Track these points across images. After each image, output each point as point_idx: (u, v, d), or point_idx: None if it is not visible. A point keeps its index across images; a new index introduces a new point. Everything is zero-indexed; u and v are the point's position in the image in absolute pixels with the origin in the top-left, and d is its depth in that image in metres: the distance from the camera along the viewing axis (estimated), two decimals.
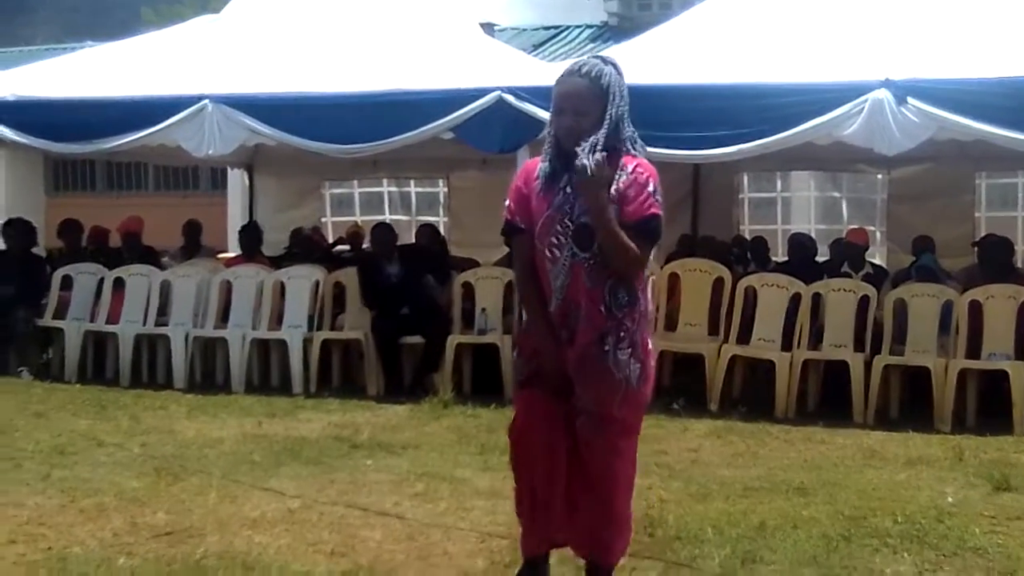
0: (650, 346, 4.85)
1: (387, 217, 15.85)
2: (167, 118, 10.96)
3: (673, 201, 14.62)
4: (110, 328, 11.63)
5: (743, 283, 10.49)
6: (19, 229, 12.56)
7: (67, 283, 12.12)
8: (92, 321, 11.80)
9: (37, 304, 12.03)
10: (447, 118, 10.26)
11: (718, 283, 10.64)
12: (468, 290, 11.09)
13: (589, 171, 4.52)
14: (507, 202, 4.92)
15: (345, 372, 11.31)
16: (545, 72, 11.87)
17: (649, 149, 9.73)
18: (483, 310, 10.86)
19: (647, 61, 10.74)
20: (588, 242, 4.67)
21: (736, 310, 10.33)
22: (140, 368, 11.53)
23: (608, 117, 4.67)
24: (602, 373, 4.70)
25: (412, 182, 16.34)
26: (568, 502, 4.93)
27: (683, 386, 10.29)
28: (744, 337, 10.25)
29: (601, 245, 4.64)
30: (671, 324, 10.82)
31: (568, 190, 4.70)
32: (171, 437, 8.68)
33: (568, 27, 22.86)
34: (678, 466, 7.77)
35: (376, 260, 11.42)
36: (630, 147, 4.76)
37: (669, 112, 9.79)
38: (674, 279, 10.94)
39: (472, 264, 11.96)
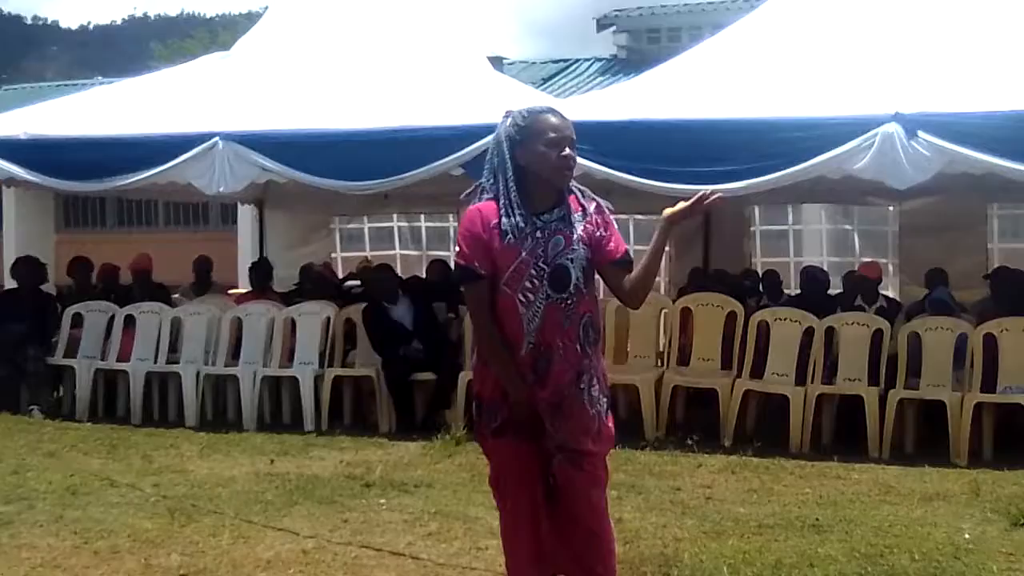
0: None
1: (397, 252, 15.92)
2: (178, 156, 10.96)
3: (684, 235, 14.65)
4: (121, 366, 11.63)
5: (756, 317, 10.46)
6: (29, 267, 12.60)
7: (77, 321, 12.12)
8: (103, 359, 11.80)
9: (48, 342, 12.05)
10: (457, 154, 10.24)
11: (731, 317, 10.63)
12: None
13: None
14: (459, 248, 4.81)
15: (356, 409, 11.29)
16: (555, 106, 11.93)
17: (659, 184, 9.83)
18: None
19: (657, 95, 10.79)
20: (565, 283, 4.67)
21: (749, 344, 10.31)
22: (151, 406, 11.53)
23: None
24: (580, 411, 4.71)
25: (422, 216, 16.37)
26: (559, 545, 4.87)
27: (696, 421, 10.29)
28: (758, 372, 10.23)
29: (643, 280, 4.76)
30: (684, 359, 10.80)
31: (538, 235, 4.68)
32: (183, 476, 8.66)
33: (577, 60, 22.98)
34: (692, 503, 7.73)
35: (379, 305, 11.35)
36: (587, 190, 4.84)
37: (679, 146, 9.83)
38: (686, 314, 10.93)
39: None
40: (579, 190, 4.80)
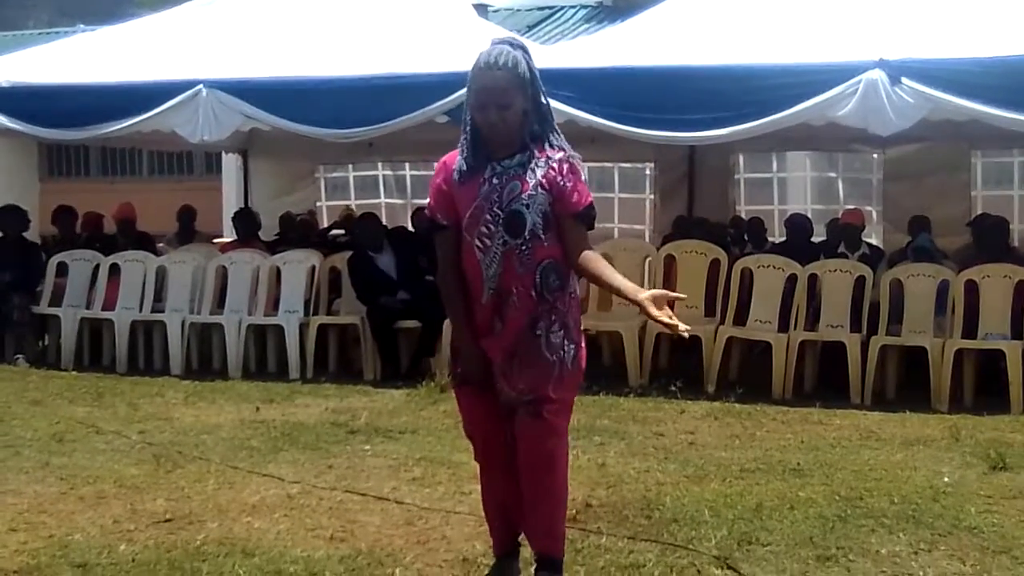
0: (581, 327, 4.82)
1: (382, 200, 15.91)
2: (161, 103, 10.92)
3: (669, 183, 14.68)
4: (106, 315, 11.63)
5: (739, 264, 10.50)
6: (13, 216, 12.54)
7: (62, 270, 12.11)
8: (88, 308, 11.80)
9: (33, 291, 12.05)
10: (442, 101, 10.21)
11: (714, 265, 10.65)
12: None
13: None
14: (428, 201, 4.85)
15: (341, 357, 11.31)
16: (540, 54, 11.88)
17: (645, 132, 9.81)
18: None
19: (642, 42, 10.77)
20: (520, 229, 4.63)
21: (733, 292, 10.35)
22: (136, 355, 11.55)
23: (538, 108, 4.65)
24: (536, 358, 4.67)
25: (407, 165, 16.33)
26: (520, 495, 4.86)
27: (680, 368, 10.34)
28: (741, 319, 10.27)
29: (591, 276, 4.72)
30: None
31: (495, 180, 4.65)
32: (169, 424, 8.69)
33: (563, 7, 22.82)
34: (675, 448, 7.78)
35: (364, 254, 11.35)
36: (559, 136, 4.71)
37: (664, 94, 9.84)
38: (670, 261, 10.96)
39: None
40: (549, 140, 4.68)
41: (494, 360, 4.76)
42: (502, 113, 4.56)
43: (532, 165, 4.64)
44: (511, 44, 4.63)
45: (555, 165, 4.63)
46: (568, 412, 4.85)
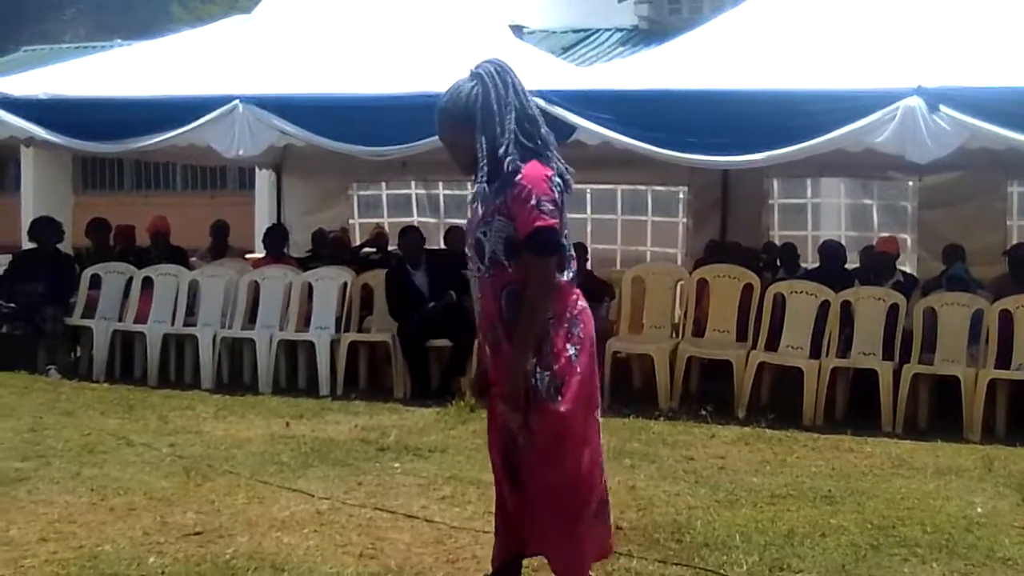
0: (568, 353, 4.67)
1: (415, 219, 15.89)
2: (198, 118, 10.96)
3: (702, 207, 14.64)
4: (138, 327, 11.68)
5: (772, 290, 10.46)
6: (47, 227, 12.62)
7: (96, 282, 12.17)
8: (120, 320, 11.85)
9: (66, 303, 12.10)
10: None
11: (747, 289, 10.62)
12: None
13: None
14: None
15: (371, 374, 11.32)
16: (575, 76, 11.92)
17: (680, 155, 9.79)
18: None
19: (678, 66, 10.77)
20: (482, 255, 4.69)
21: (765, 317, 10.31)
22: (167, 368, 11.58)
23: (479, 144, 4.64)
24: (513, 381, 4.63)
25: (440, 184, 16.34)
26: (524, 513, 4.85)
27: (711, 392, 10.31)
28: (773, 344, 10.23)
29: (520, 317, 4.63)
30: (699, 330, 10.80)
31: (475, 205, 4.74)
32: (199, 437, 8.70)
33: (598, 30, 22.86)
34: (705, 472, 7.75)
35: (403, 268, 11.38)
36: (514, 161, 4.62)
37: (700, 117, 9.83)
38: (703, 285, 10.93)
39: None
40: (517, 162, 4.61)
41: (494, 383, 4.81)
42: (454, 151, 4.77)
43: (496, 190, 4.64)
44: (473, 73, 4.71)
45: (513, 191, 4.60)
46: (560, 440, 4.67)
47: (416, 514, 6.49)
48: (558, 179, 4.66)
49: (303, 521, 6.32)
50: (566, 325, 4.69)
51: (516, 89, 4.69)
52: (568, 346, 4.67)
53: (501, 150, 4.61)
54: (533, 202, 4.55)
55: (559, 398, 4.62)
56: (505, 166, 4.60)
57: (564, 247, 4.69)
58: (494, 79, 4.65)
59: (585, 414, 4.73)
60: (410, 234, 11.88)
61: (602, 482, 4.88)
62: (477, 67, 4.73)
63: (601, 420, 4.90)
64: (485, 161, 4.63)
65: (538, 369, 4.61)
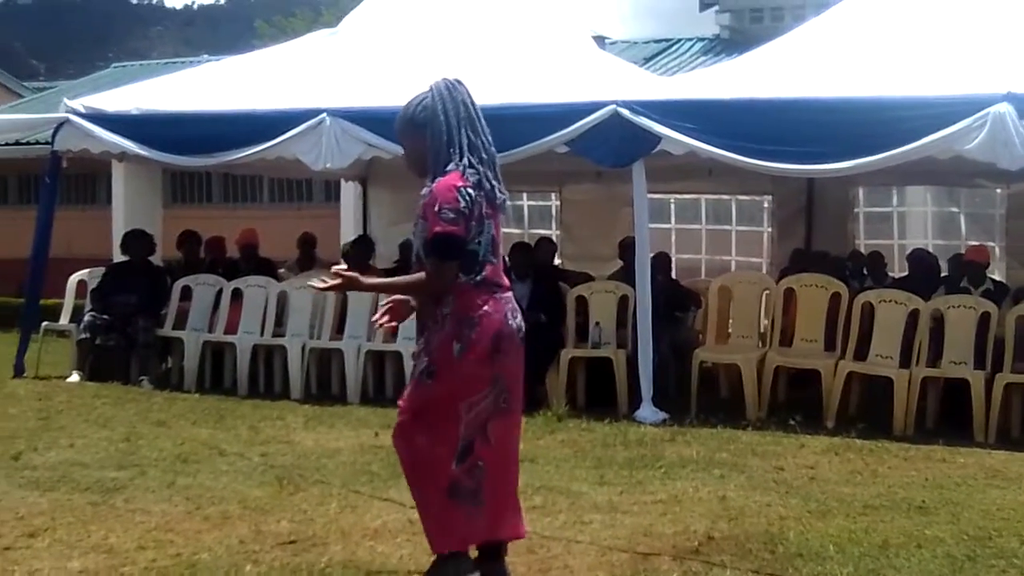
0: (452, 348, 5.09)
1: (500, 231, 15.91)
2: (286, 132, 11.11)
3: (787, 216, 14.57)
4: (228, 338, 11.85)
5: (860, 299, 10.39)
6: (139, 240, 12.85)
7: (186, 294, 12.36)
8: (210, 331, 12.03)
9: (157, 314, 12.29)
10: (562, 132, 10.29)
11: (835, 298, 10.56)
12: (581, 304, 11.09)
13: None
14: None
15: None
16: (659, 86, 11.92)
17: (766, 164, 9.74)
18: (597, 324, 10.88)
19: (762, 75, 10.74)
20: (414, 256, 5.26)
21: (854, 326, 10.23)
22: (257, 378, 11.71)
23: (438, 142, 5.13)
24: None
25: (525, 195, 16.39)
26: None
27: (799, 402, 10.25)
28: (861, 353, 10.15)
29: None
30: (786, 340, 10.75)
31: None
32: (290, 447, 8.80)
33: (680, 40, 22.86)
34: (796, 483, 7.71)
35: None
36: (458, 163, 5.09)
37: (786, 126, 9.80)
38: (789, 294, 10.88)
39: (585, 278, 11.97)
40: (445, 170, 5.07)
41: None
42: (405, 155, 5.40)
43: (423, 193, 5.10)
44: (432, 87, 5.24)
45: (425, 198, 5.07)
46: (415, 415, 5.21)
47: None
48: (471, 191, 5.04)
49: (395, 530, 6.36)
50: (460, 325, 5.10)
51: (467, 104, 5.21)
52: (454, 343, 5.11)
53: (450, 165, 5.07)
54: (435, 209, 4.99)
55: (429, 381, 5.15)
56: (443, 170, 5.07)
57: (472, 252, 5.09)
58: (443, 95, 5.18)
59: (449, 402, 5.13)
60: (519, 250, 11.90)
61: (456, 468, 5.14)
62: (436, 83, 5.24)
63: (518, 421, 5.50)
64: (432, 168, 5.11)
65: (422, 353, 5.18)
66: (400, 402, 5.31)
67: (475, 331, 5.10)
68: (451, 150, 5.09)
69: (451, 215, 4.96)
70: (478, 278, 5.12)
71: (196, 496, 7.09)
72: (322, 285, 5.21)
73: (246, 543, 6.07)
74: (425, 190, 5.08)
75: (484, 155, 5.17)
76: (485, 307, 5.13)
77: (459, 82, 5.26)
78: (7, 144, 20.15)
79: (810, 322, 10.69)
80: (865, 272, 12.60)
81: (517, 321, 5.27)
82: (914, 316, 10.06)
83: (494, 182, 5.17)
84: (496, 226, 5.21)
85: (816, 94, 9.93)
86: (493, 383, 5.19)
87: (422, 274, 5.10)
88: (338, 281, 5.16)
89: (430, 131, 5.12)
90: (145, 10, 63.78)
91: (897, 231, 15.27)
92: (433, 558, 5.23)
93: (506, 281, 5.32)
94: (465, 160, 5.09)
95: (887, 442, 9.13)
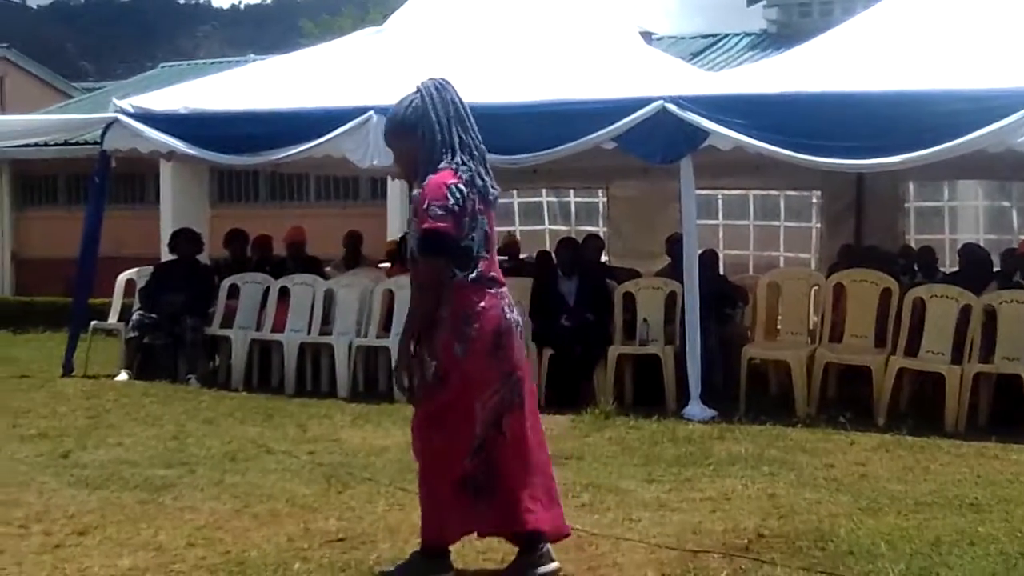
0: (455, 349, 5.17)
1: (546, 227, 15.92)
2: (333, 130, 11.12)
3: (836, 211, 14.47)
4: (275, 337, 11.87)
5: (911, 294, 10.27)
6: (187, 239, 12.92)
7: (233, 292, 12.40)
8: (258, 330, 12.06)
9: (205, 313, 12.33)
10: (609, 128, 10.24)
11: (885, 294, 10.45)
12: (629, 300, 11.05)
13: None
14: None
15: None
16: (707, 81, 11.85)
17: (815, 159, 9.65)
18: (645, 321, 10.83)
19: (811, 69, 10.66)
20: (408, 254, 5.38)
21: (904, 322, 10.13)
22: (304, 376, 11.73)
23: (430, 142, 5.19)
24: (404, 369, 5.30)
25: (572, 192, 16.35)
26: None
27: (849, 399, 10.16)
28: (912, 349, 10.04)
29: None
30: (836, 336, 10.66)
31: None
32: (337, 445, 8.80)
33: (727, 35, 22.78)
34: (846, 480, 7.64)
35: (553, 274, 11.41)
36: (450, 161, 5.17)
37: (833, 121, 9.74)
38: (839, 290, 10.78)
39: (633, 274, 11.93)
40: (437, 168, 5.14)
41: None
42: (394, 158, 5.52)
43: (415, 195, 5.22)
44: (419, 87, 5.32)
45: (417, 196, 5.18)
46: (430, 419, 5.29)
47: None
48: (462, 187, 5.11)
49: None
50: (459, 323, 5.17)
51: (455, 103, 5.26)
52: (455, 343, 5.17)
53: (442, 163, 5.14)
54: (424, 206, 5.08)
55: (439, 385, 5.19)
56: (436, 169, 5.14)
57: (466, 248, 5.16)
58: (432, 95, 5.24)
59: (463, 402, 5.21)
60: (566, 246, 11.91)
61: (469, 463, 5.28)
62: (422, 83, 5.31)
63: (539, 416, 5.49)
64: (424, 168, 5.17)
65: (427, 357, 5.20)
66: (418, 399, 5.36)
67: (474, 329, 5.18)
68: (443, 149, 5.16)
69: (439, 212, 5.05)
70: (473, 275, 5.20)
71: (244, 494, 7.10)
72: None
73: (295, 541, 6.07)
74: (417, 191, 5.20)
75: (475, 152, 5.23)
76: (482, 303, 5.20)
77: (447, 82, 5.34)
78: (56, 144, 20.34)
79: (860, 318, 10.59)
80: (915, 267, 12.49)
81: (515, 315, 5.35)
82: (966, 312, 9.93)
83: (486, 178, 5.26)
84: (490, 222, 5.30)
85: (866, 88, 9.84)
86: (504, 379, 5.26)
87: (418, 299, 5.25)
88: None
89: (421, 131, 5.19)
90: (192, 10, 64.12)
91: (948, 226, 15.13)
92: (415, 549, 5.50)
93: (501, 276, 5.39)
94: (457, 158, 5.16)
95: (939, 439, 9.02)
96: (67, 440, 8.78)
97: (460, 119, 5.23)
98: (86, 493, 7.11)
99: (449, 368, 5.17)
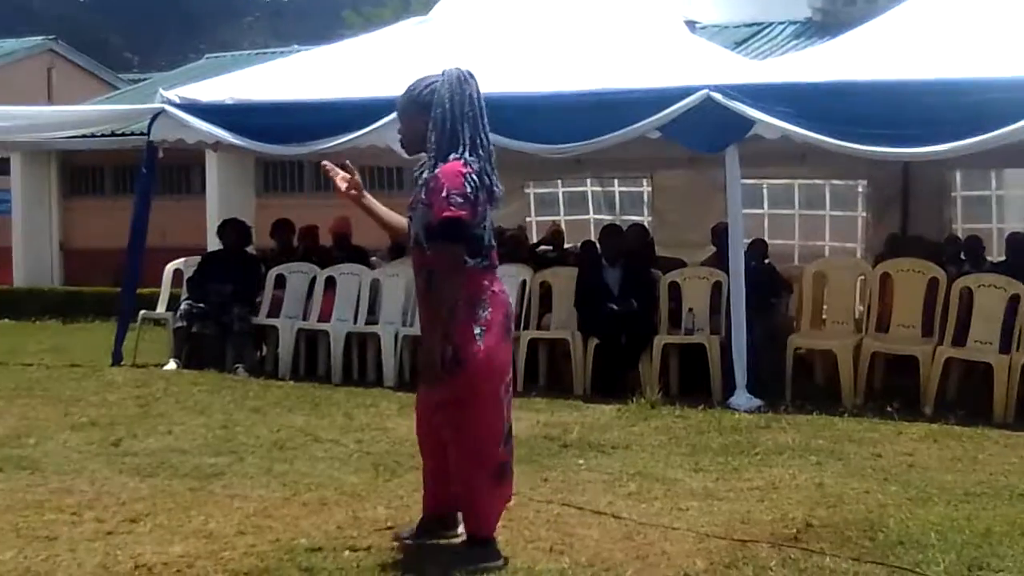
0: (474, 332, 5.29)
1: (591, 217, 15.92)
2: (379, 120, 11.12)
3: (882, 200, 14.40)
4: (322, 326, 11.93)
5: (959, 283, 10.21)
6: (235, 229, 12.98)
7: (280, 282, 12.47)
8: (304, 319, 12.11)
9: (252, 302, 12.40)
10: (655, 117, 10.21)
11: (932, 284, 10.40)
12: (675, 290, 11.03)
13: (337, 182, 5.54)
14: None
15: (551, 371, 11.35)
16: (752, 70, 11.81)
17: (862, 147, 9.60)
18: (690, 310, 10.82)
19: (856, 57, 10.62)
20: (411, 238, 5.43)
21: (952, 311, 10.07)
22: (350, 366, 11.77)
23: (429, 138, 5.30)
24: (427, 354, 5.36)
25: (616, 181, 16.33)
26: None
27: (896, 389, 10.10)
28: (960, 339, 9.99)
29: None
30: (883, 325, 10.61)
31: (415, 190, 5.41)
32: (384, 434, 8.83)
33: (771, 24, 22.68)
34: (894, 470, 7.61)
35: (597, 263, 11.42)
36: (460, 154, 5.25)
37: (880, 109, 9.68)
38: (885, 279, 10.73)
39: (678, 264, 11.91)
40: (448, 156, 5.23)
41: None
42: (401, 131, 5.57)
43: (424, 181, 5.31)
44: (445, 72, 5.37)
45: (431, 183, 5.24)
46: (461, 406, 5.36)
47: (603, 510, 6.49)
48: (475, 177, 5.22)
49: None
50: (474, 308, 5.31)
51: (473, 98, 5.33)
52: (474, 326, 5.30)
53: (452, 154, 5.22)
54: (443, 194, 5.16)
55: (460, 372, 5.27)
56: (447, 156, 5.23)
57: (479, 237, 5.31)
58: (452, 84, 5.30)
59: (489, 387, 5.38)
60: (610, 234, 11.89)
61: (503, 447, 5.53)
62: (447, 70, 5.37)
63: (512, 397, 5.63)
64: (433, 155, 5.29)
65: (444, 343, 5.25)
66: (433, 393, 5.47)
67: (489, 311, 5.35)
68: (452, 140, 5.27)
69: (459, 200, 5.18)
70: (485, 262, 5.38)
71: (293, 482, 7.14)
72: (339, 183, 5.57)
73: (344, 529, 6.10)
74: (425, 175, 5.29)
75: (483, 151, 5.33)
76: (493, 287, 5.41)
77: (471, 75, 5.38)
78: (103, 135, 20.48)
79: (907, 308, 10.54)
80: (962, 257, 12.42)
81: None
82: (1014, 301, 9.87)
83: (492, 176, 5.36)
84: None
85: (913, 76, 9.78)
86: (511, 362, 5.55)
87: (437, 273, 5.27)
88: (344, 185, 5.54)
89: (433, 114, 5.29)
90: (235, 2, 64.19)
91: (995, 215, 15.00)
92: (465, 539, 5.61)
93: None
94: (466, 153, 5.27)
95: (987, 429, 8.98)
96: (118, 428, 8.85)
97: (473, 115, 5.32)
98: (137, 481, 7.17)
99: (469, 353, 5.28)
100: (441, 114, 5.27)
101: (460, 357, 5.26)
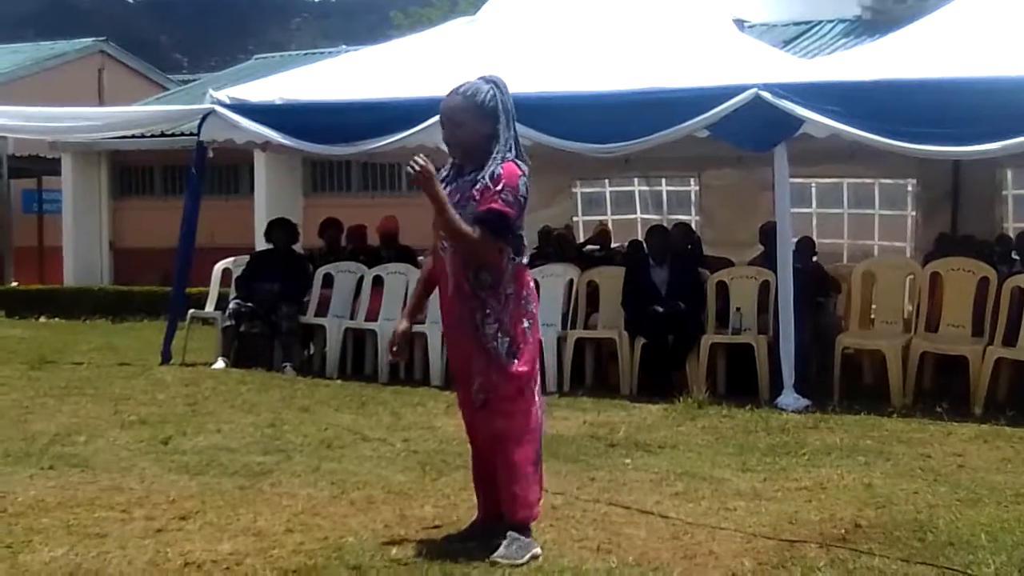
0: (524, 325, 5.52)
1: (638, 216, 15.88)
2: (427, 120, 11.10)
3: (932, 199, 14.30)
4: (369, 325, 11.97)
5: (1010, 283, 10.13)
6: (283, 229, 13.05)
7: (328, 281, 12.53)
8: (352, 318, 12.16)
9: (300, 301, 12.46)
10: (703, 116, 10.18)
11: (982, 283, 10.32)
12: (722, 289, 11.00)
13: (413, 171, 5.34)
14: None
15: (598, 371, 11.35)
16: (801, 69, 11.76)
17: (912, 146, 9.54)
18: (738, 309, 10.79)
19: (906, 56, 10.55)
20: None
21: (1002, 311, 9.99)
22: (398, 365, 11.79)
23: (498, 133, 5.44)
24: (474, 346, 5.51)
25: (663, 180, 16.29)
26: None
27: (946, 389, 10.04)
28: (1010, 339, 9.91)
29: (440, 228, 5.49)
30: (932, 325, 10.54)
31: (453, 187, 5.51)
32: (431, 433, 8.86)
33: (820, 22, 22.57)
34: (944, 470, 7.55)
35: (644, 263, 11.39)
36: (508, 155, 5.43)
37: (930, 107, 9.61)
38: (935, 278, 10.66)
39: (726, 263, 11.87)
40: (504, 157, 5.41)
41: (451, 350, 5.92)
42: (453, 130, 5.52)
43: (478, 178, 5.42)
44: (484, 79, 5.53)
45: (487, 180, 5.40)
46: (516, 395, 5.51)
47: (650, 510, 6.48)
48: (528, 182, 5.46)
49: (539, 516, 6.36)
50: (522, 302, 5.54)
51: (512, 104, 5.51)
52: (523, 319, 5.54)
53: (511, 153, 5.43)
54: (498, 188, 5.36)
55: (515, 360, 5.49)
56: (492, 162, 5.40)
57: (521, 237, 5.53)
58: (502, 91, 5.48)
59: (534, 377, 5.59)
60: (657, 234, 11.83)
61: (539, 438, 5.71)
62: (488, 77, 5.55)
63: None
64: (498, 154, 5.42)
65: (499, 335, 5.48)
66: (481, 380, 5.55)
67: (533, 306, 5.64)
68: (509, 144, 5.46)
69: (511, 198, 5.38)
70: (525, 260, 5.59)
71: (341, 481, 7.17)
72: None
73: (391, 527, 6.11)
74: (475, 175, 5.43)
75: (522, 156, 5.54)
76: (531, 283, 5.68)
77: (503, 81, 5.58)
78: (153, 136, 20.64)
79: (957, 307, 10.47)
80: (1013, 256, 12.30)
81: None
82: None
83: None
84: None
85: (963, 74, 9.71)
86: None
87: (471, 229, 5.36)
88: (419, 169, 5.34)
89: (498, 121, 5.44)
90: (283, 3, 64.52)
91: None
92: (508, 525, 5.61)
93: None
94: (521, 156, 5.50)
95: None
96: (167, 427, 8.91)
97: (515, 119, 5.53)
98: (186, 478, 7.22)
99: (522, 342, 5.51)
100: (506, 119, 5.45)
101: (515, 348, 5.48)
